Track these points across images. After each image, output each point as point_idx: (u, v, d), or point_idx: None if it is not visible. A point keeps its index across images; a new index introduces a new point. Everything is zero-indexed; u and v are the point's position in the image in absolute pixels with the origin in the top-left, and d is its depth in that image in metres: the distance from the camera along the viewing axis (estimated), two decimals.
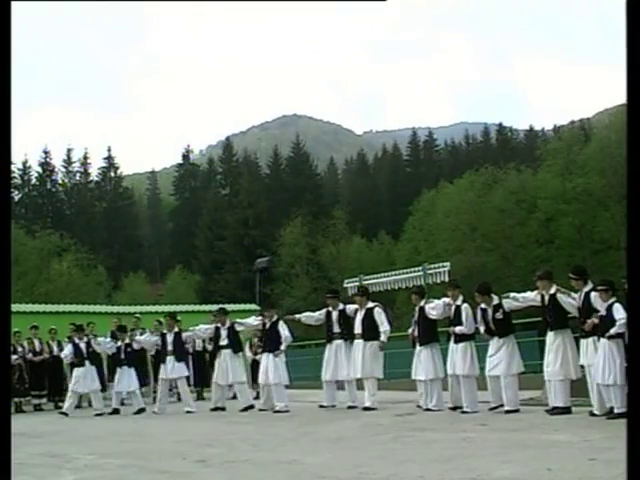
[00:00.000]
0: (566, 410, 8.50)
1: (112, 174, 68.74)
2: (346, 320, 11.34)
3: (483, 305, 9.43)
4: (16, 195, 60.89)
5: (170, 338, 12.62)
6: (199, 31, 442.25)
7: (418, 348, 10.20)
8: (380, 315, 10.89)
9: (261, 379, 11.75)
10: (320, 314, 11.77)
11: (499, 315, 9.24)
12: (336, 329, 11.33)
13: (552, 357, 8.60)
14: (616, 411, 7.64)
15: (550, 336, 8.71)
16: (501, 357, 9.18)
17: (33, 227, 47.92)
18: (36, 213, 60.91)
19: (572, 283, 8.53)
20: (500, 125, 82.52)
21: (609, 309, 7.78)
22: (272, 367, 11.47)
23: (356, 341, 10.95)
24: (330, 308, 11.49)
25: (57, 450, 7.76)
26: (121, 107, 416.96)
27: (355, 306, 11.42)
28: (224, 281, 52.61)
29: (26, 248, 41.82)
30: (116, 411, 12.99)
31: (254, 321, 12.65)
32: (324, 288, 42.35)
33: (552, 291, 8.74)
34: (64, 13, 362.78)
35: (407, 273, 17.46)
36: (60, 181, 66.53)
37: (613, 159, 39.22)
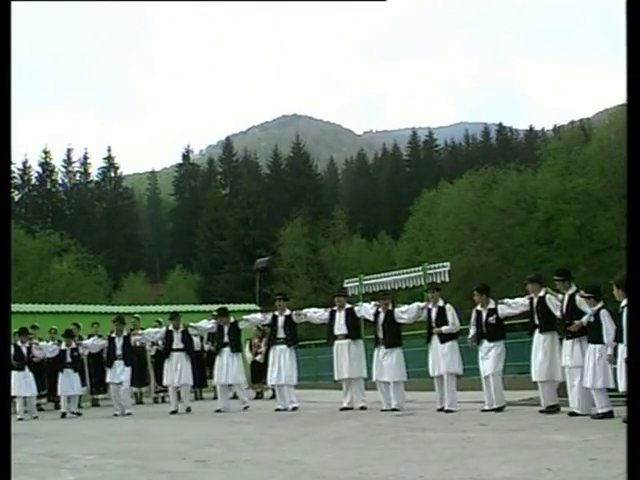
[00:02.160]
0: (555, 409, 8.57)
1: (112, 174, 68.72)
2: (292, 326, 11.26)
3: (479, 307, 9.51)
4: (16, 195, 60.84)
5: (119, 342, 12.56)
6: (199, 31, 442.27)
7: (383, 350, 10.26)
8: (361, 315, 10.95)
9: (217, 376, 11.97)
10: (266, 318, 11.83)
11: (492, 320, 9.36)
12: (280, 334, 11.25)
13: (541, 358, 8.68)
14: (599, 411, 7.74)
15: (539, 338, 8.78)
16: (488, 357, 9.30)
17: (33, 227, 47.71)
18: (36, 213, 60.81)
19: (556, 285, 8.65)
20: (500, 125, 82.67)
21: (597, 315, 7.81)
22: (233, 365, 11.85)
23: (338, 342, 10.86)
24: (277, 312, 11.43)
25: (57, 450, 7.76)
26: (121, 107, 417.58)
27: (320, 310, 11.40)
28: (224, 281, 52.55)
29: (26, 248, 41.68)
30: (64, 415, 12.95)
31: (208, 324, 12.74)
32: (324, 288, 42.69)
33: (541, 294, 8.82)
34: (64, 13, 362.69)
35: (407, 273, 17.33)
36: (60, 181, 66.61)
37: (613, 159, 39.12)
